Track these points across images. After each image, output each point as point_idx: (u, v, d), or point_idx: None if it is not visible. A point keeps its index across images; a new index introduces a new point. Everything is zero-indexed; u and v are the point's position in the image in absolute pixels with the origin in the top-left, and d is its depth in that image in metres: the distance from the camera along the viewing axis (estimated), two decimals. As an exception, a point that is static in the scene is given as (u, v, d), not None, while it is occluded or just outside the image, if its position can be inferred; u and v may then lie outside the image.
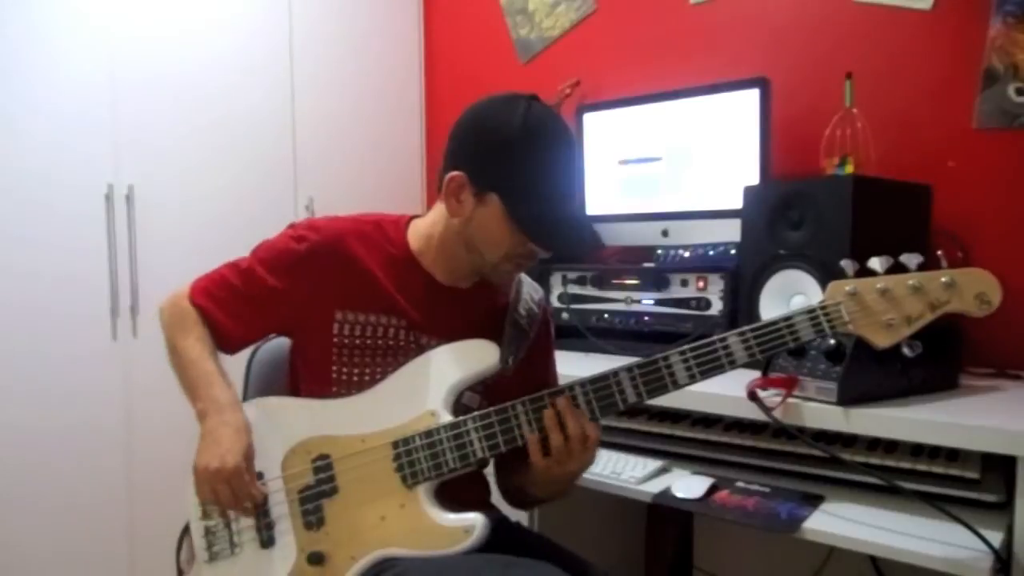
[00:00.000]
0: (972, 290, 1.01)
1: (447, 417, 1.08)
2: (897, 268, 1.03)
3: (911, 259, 1.02)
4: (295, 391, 1.18)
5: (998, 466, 1.17)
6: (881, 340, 1.02)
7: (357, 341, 1.13)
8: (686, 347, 1.05)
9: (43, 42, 1.77)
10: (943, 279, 1.01)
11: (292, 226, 1.17)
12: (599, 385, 1.07)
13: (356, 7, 2.45)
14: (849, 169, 1.63)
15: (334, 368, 1.13)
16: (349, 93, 2.43)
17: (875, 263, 1.03)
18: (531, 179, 1.05)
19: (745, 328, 1.05)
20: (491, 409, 1.07)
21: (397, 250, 1.16)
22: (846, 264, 1.05)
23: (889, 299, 1.02)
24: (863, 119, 1.67)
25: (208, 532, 1.11)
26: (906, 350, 1.02)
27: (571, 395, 1.07)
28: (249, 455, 1.07)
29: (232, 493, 1.04)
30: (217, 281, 1.16)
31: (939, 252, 1.05)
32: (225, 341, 1.16)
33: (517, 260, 1.11)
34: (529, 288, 1.24)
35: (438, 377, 1.10)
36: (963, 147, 1.69)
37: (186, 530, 1.15)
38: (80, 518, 1.85)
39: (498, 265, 1.11)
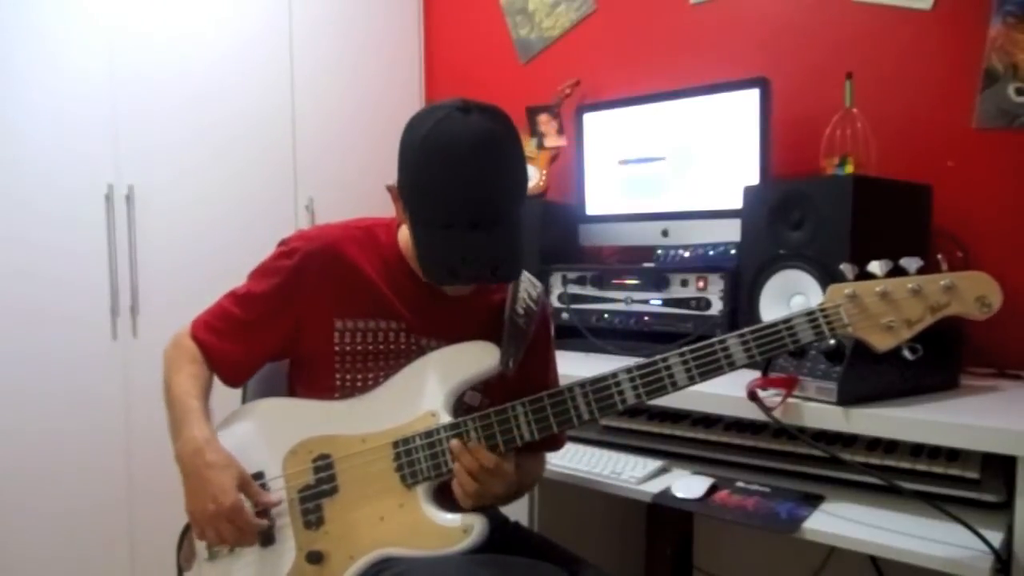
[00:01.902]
0: (972, 293, 1.01)
1: (447, 418, 1.08)
2: (897, 271, 1.03)
3: (910, 263, 1.03)
4: (295, 396, 1.18)
5: (998, 466, 1.17)
6: (881, 343, 1.02)
7: (359, 348, 1.12)
8: (685, 349, 1.05)
9: (43, 42, 1.77)
10: (943, 282, 1.01)
11: (282, 243, 1.17)
12: (598, 386, 1.06)
13: (356, 7, 2.45)
14: (849, 169, 1.63)
15: (337, 376, 1.13)
16: (349, 93, 2.43)
17: (874, 267, 1.03)
18: (421, 201, 1.01)
19: (745, 330, 1.05)
20: (490, 410, 1.07)
21: (390, 253, 1.15)
22: (846, 268, 1.05)
23: (889, 302, 1.02)
24: (863, 119, 1.67)
25: None
26: (906, 353, 1.03)
27: (570, 396, 1.07)
28: (244, 483, 1.05)
29: (236, 529, 1.03)
30: (216, 313, 1.17)
31: (939, 255, 1.05)
32: (227, 371, 1.15)
33: None
34: (527, 285, 1.23)
35: (438, 378, 1.10)
36: (963, 147, 1.69)
37: (187, 528, 1.15)
38: (80, 519, 1.85)
39: None
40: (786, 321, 1.04)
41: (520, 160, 1.03)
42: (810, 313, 1.04)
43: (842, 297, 1.03)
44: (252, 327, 1.14)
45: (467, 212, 0.98)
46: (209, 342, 1.14)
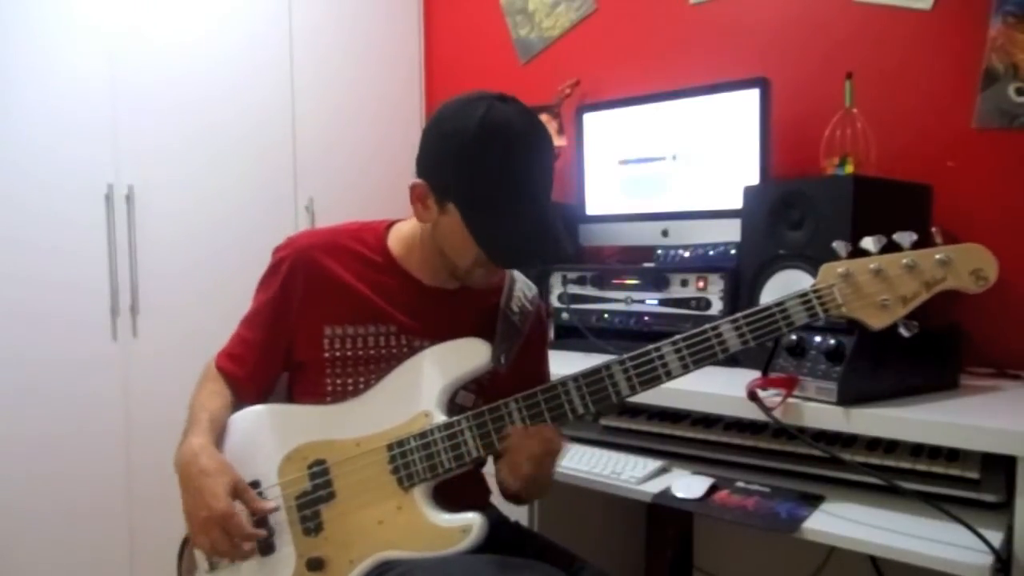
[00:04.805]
0: (968, 266, 1.00)
1: (441, 417, 1.08)
2: (891, 247, 1.01)
3: (905, 237, 1.01)
4: (292, 403, 1.18)
5: (998, 466, 1.17)
6: (876, 321, 1.01)
7: (349, 353, 1.13)
8: (678, 337, 1.04)
9: (43, 43, 1.77)
10: (937, 256, 1.00)
11: (274, 251, 1.19)
12: (592, 379, 1.06)
13: (356, 8, 2.45)
14: (849, 169, 1.62)
15: (328, 381, 1.13)
16: (349, 93, 2.43)
17: (868, 243, 1.02)
18: (485, 188, 1.01)
19: (738, 315, 1.04)
20: (484, 408, 1.07)
21: (378, 256, 1.15)
22: (838, 245, 1.03)
23: (883, 279, 1.00)
24: (863, 119, 1.67)
25: None
26: (903, 330, 1.01)
27: (564, 390, 1.06)
28: (238, 489, 1.05)
29: (227, 537, 1.02)
30: (234, 340, 1.21)
31: (933, 229, 1.02)
32: (243, 394, 1.18)
33: (488, 266, 1.07)
34: (522, 285, 1.23)
35: (430, 378, 1.10)
36: (963, 147, 1.69)
37: (187, 540, 1.15)
38: (80, 520, 1.85)
39: (470, 271, 1.09)
40: (779, 304, 1.03)
41: (552, 142, 1.08)
42: (803, 294, 1.03)
43: (835, 277, 1.02)
44: (257, 346, 1.17)
45: (532, 193, 1.02)
46: (229, 369, 1.18)
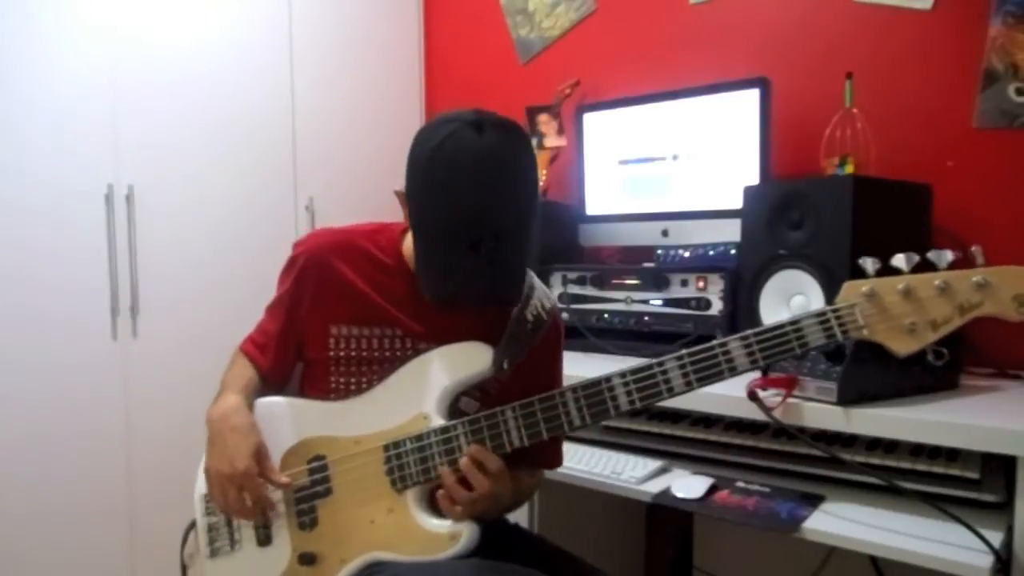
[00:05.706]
0: (1010, 291, 0.90)
1: (439, 421, 1.07)
2: (924, 266, 0.93)
3: (941, 256, 0.92)
4: (302, 396, 1.19)
5: (998, 466, 1.17)
6: (901, 347, 0.93)
7: (353, 354, 1.13)
8: (684, 352, 1.00)
9: (43, 42, 1.77)
10: (975, 278, 0.91)
11: (293, 246, 1.20)
12: (591, 391, 1.03)
13: (356, 8, 2.45)
14: (849, 169, 1.63)
15: (332, 379, 1.13)
16: (349, 93, 2.43)
17: (899, 260, 0.93)
18: (426, 215, 0.99)
19: (748, 332, 0.98)
20: (481, 414, 1.06)
21: (389, 259, 1.15)
22: (866, 262, 0.95)
23: (912, 301, 0.92)
24: (863, 119, 1.67)
25: (211, 528, 1.13)
26: (931, 357, 0.94)
27: (561, 401, 1.03)
28: (261, 454, 1.07)
29: (241, 497, 1.05)
30: (258, 328, 1.23)
31: (973, 248, 0.93)
32: (268, 380, 1.20)
33: None
34: (541, 294, 1.19)
35: (432, 380, 1.09)
36: (963, 147, 1.69)
37: (192, 525, 1.17)
38: (79, 520, 1.85)
39: None
40: (794, 322, 0.96)
41: (528, 181, 1.01)
42: (821, 314, 0.96)
43: (858, 295, 0.94)
44: (275, 335, 1.19)
45: (468, 235, 0.97)
46: (253, 354, 1.21)
